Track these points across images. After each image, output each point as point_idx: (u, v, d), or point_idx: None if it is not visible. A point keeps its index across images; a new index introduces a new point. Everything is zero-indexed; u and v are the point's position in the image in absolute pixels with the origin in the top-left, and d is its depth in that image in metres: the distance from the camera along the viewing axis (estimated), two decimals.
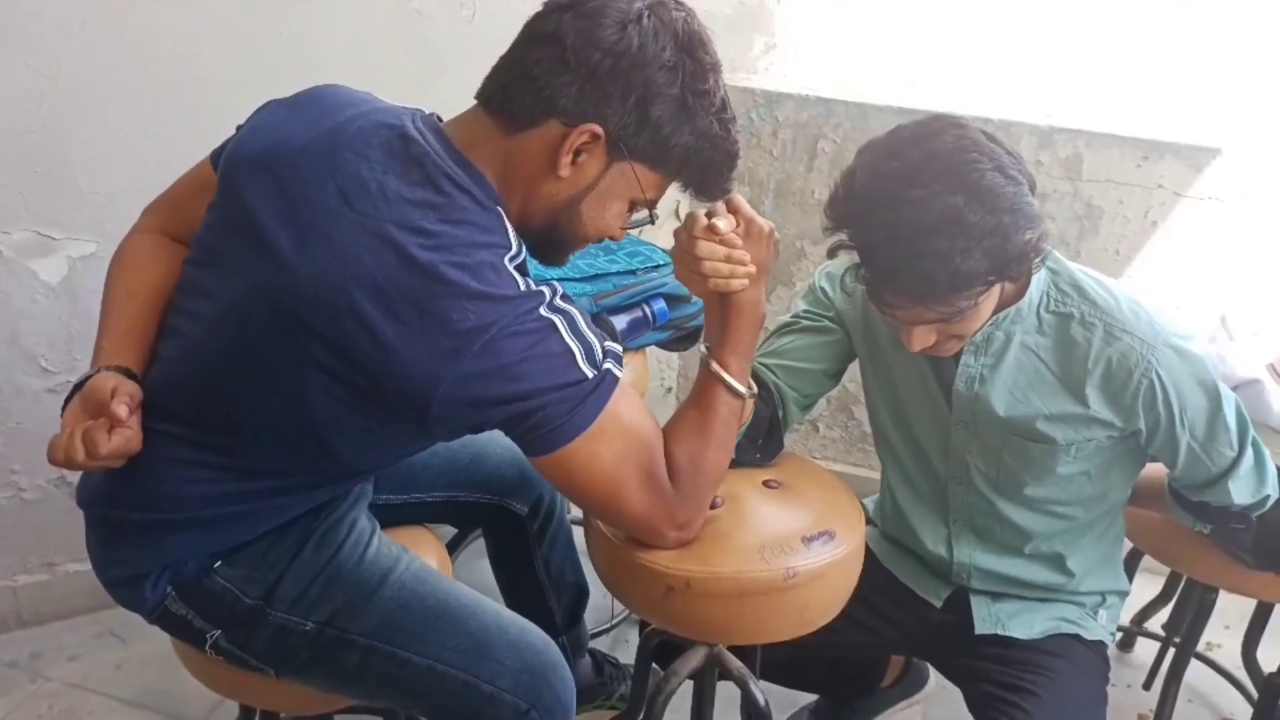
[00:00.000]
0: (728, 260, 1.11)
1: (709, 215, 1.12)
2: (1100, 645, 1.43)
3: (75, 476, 1.91)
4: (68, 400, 1.08)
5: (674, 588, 1.15)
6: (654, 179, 1.08)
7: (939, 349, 1.23)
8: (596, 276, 1.74)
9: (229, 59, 1.78)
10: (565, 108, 1.01)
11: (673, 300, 1.80)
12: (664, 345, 1.87)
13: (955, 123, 1.12)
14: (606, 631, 2.08)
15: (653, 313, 1.77)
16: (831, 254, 1.17)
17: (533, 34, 1.03)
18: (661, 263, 1.82)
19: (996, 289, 1.18)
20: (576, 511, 1.73)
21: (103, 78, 1.71)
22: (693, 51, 1.03)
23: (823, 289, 1.43)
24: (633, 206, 1.12)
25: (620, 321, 1.73)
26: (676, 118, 1.03)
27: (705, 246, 1.10)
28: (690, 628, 1.27)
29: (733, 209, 1.12)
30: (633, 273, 1.79)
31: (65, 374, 1.87)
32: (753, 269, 1.13)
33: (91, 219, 1.78)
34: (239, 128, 1.15)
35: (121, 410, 1.00)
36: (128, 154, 1.75)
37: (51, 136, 1.71)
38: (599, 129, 1.01)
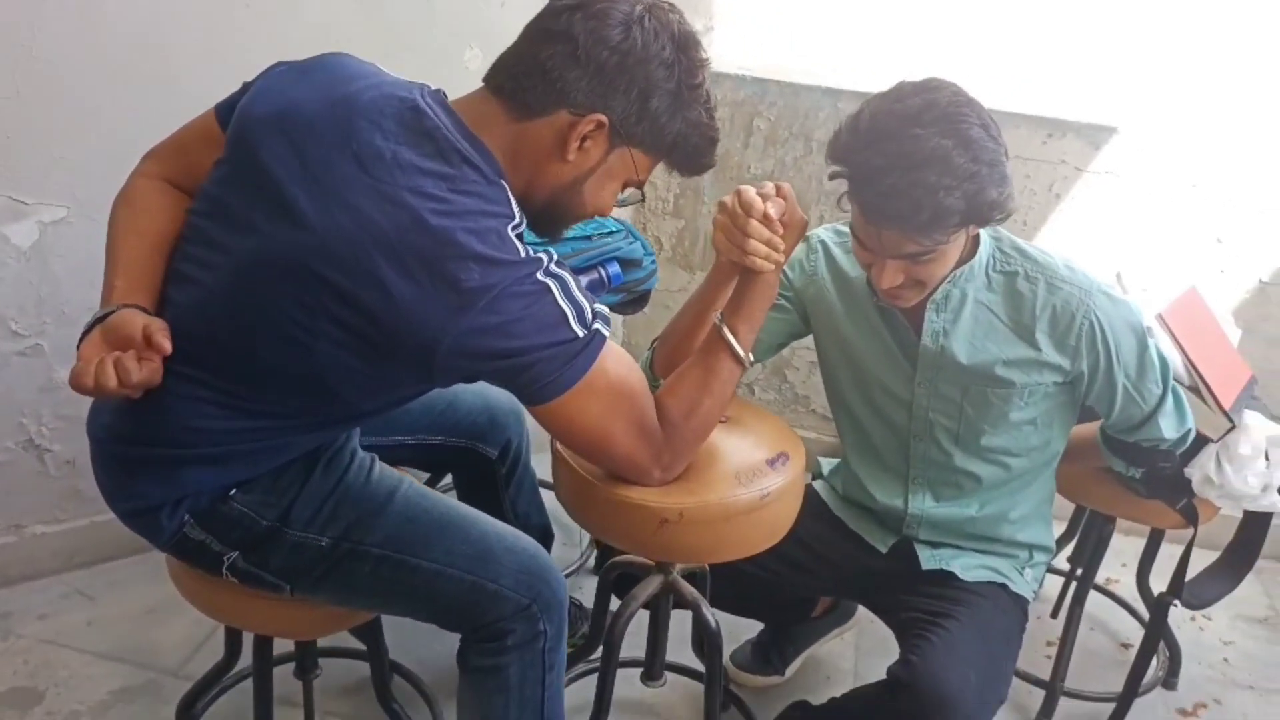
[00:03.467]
0: (768, 243, 1.23)
1: (763, 198, 1.23)
2: (1023, 600, 1.59)
3: (44, 439, 1.98)
4: (85, 335, 1.13)
5: (668, 520, 1.26)
6: (647, 161, 1.22)
7: (902, 296, 1.37)
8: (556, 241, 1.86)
9: (197, 31, 1.84)
10: (575, 99, 1.13)
11: (626, 264, 1.91)
12: (615, 307, 1.99)
13: (952, 85, 1.27)
14: (567, 575, 2.20)
15: (608, 275, 1.88)
16: (833, 178, 1.29)
17: (545, 30, 1.14)
18: (614, 229, 1.93)
19: (959, 240, 1.32)
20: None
21: (75, 48, 1.75)
22: (687, 50, 1.16)
23: (784, 270, 1.54)
24: (625, 185, 1.24)
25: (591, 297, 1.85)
26: (671, 108, 1.16)
27: (757, 228, 1.23)
28: (682, 554, 1.40)
29: (783, 196, 1.25)
30: (588, 238, 1.90)
31: (34, 337, 1.91)
32: (782, 257, 1.26)
33: (63, 185, 1.82)
34: (246, 85, 1.23)
35: (166, 343, 1.08)
36: (98, 123, 1.79)
37: (25, 104, 1.74)
38: (604, 118, 1.14)
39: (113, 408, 1.21)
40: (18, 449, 1.98)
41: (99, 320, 1.13)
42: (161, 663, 1.91)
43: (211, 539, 1.23)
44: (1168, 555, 1.89)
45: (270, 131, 1.14)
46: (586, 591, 1.92)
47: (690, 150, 1.22)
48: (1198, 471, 1.65)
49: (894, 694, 1.39)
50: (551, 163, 1.17)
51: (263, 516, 1.22)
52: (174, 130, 1.32)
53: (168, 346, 1.09)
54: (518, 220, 1.14)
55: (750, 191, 1.24)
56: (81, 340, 1.14)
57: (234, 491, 1.22)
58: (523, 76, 1.14)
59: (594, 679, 1.62)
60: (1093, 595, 2.28)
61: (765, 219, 1.24)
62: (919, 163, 1.21)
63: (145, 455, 1.20)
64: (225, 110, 1.23)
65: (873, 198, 1.26)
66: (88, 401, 1.28)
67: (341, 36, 1.91)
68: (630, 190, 1.26)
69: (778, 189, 1.27)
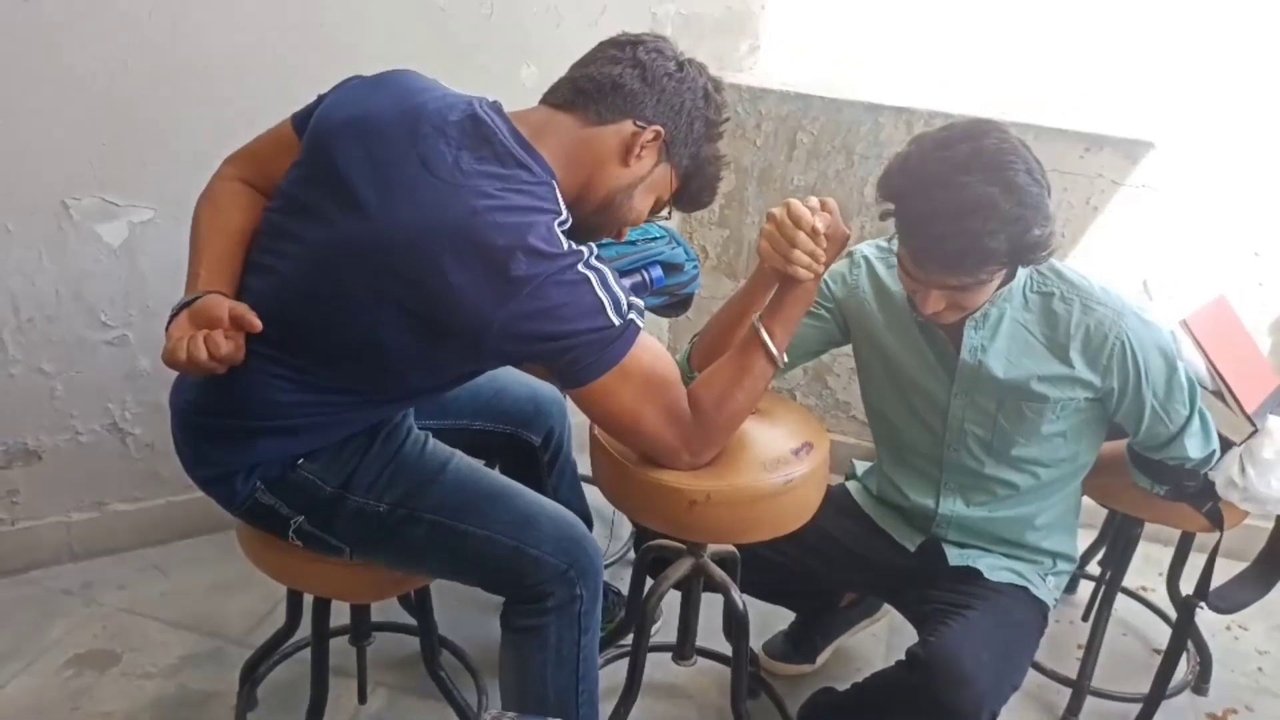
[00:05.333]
0: (811, 255, 1.32)
1: (810, 211, 1.32)
2: (1043, 605, 1.64)
3: (127, 423, 2.13)
4: (172, 318, 1.26)
5: (697, 501, 1.35)
6: (676, 183, 1.38)
7: (943, 317, 1.45)
8: (601, 245, 1.96)
9: (275, 48, 1.98)
10: (642, 112, 1.30)
11: (668, 268, 2.00)
12: (658, 310, 2.07)
13: (999, 128, 1.35)
14: (606, 567, 2.29)
15: (650, 278, 1.97)
16: (883, 218, 1.38)
17: (611, 57, 1.32)
18: (658, 235, 2.03)
19: (1002, 273, 1.39)
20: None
21: (164, 62, 1.90)
22: (720, 90, 1.38)
23: (826, 282, 1.63)
24: (657, 202, 1.39)
25: (626, 286, 1.95)
26: (703, 137, 1.36)
27: (803, 239, 1.31)
28: (710, 534, 1.49)
29: (829, 211, 1.34)
30: (633, 243, 1.99)
31: (121, 328, 2.07)
32: (822, 268, 1.34)
33: (150, 189, 1.98)
34: (320, 96, 1.36)
35: (256, 320, 1.21)
36: (184, 132, 1.94)
37: (119, 113, 1.90)
38: (662, 130, 1.31)
39: (195, 384, 1.33)
40: (103, 431, 2.14)
41: (186, 305, 1.26)
42: (227, 632, 2.05)
43: (280, 503, 1.35)
44: (1201, 563, 1.91)
45: (345, 136, 1.26)
46: (624, 583, 2.01)
47: (705, 180, 1.40)
48: (1221, 475, 1.68)
49: (911, 671, 1.46)
50: (611, 166, 1.31)
51: (327, 483, 1.34)
52: (250, 138, 1.45)
53: (258, 323, 1.21)
54: (564, 217, 1.25)
55: (799, 205, 1.32)
56: (170, 323, 1.26)
57: (301, 461, 1.34)
58: (594, 91, 1.30)
59: (628, 662, 1.71)
60: (1127, 602, 2.33)
61: (812, 232, 1.31)
62: (966, 211, 1.28)
63: (224, 426, 1.33)
64: (301, 119, 1.36)
65: (921, 241, 1.34)
66: (168, 389, 1.42)
67: (406, 56, 2.05)
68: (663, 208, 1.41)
69: (823, 204, 1.34)
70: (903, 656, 1.51)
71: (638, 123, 1.30)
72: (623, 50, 1.32)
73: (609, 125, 1.30)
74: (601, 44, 1.35)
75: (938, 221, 1.30)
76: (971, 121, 1.36)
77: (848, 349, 1.71)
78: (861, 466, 1.87)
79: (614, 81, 1.30)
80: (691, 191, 1.40)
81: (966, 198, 1.28)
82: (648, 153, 1.32)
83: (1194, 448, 1.56)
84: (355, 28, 2.05)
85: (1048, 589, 1.66)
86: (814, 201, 1.33)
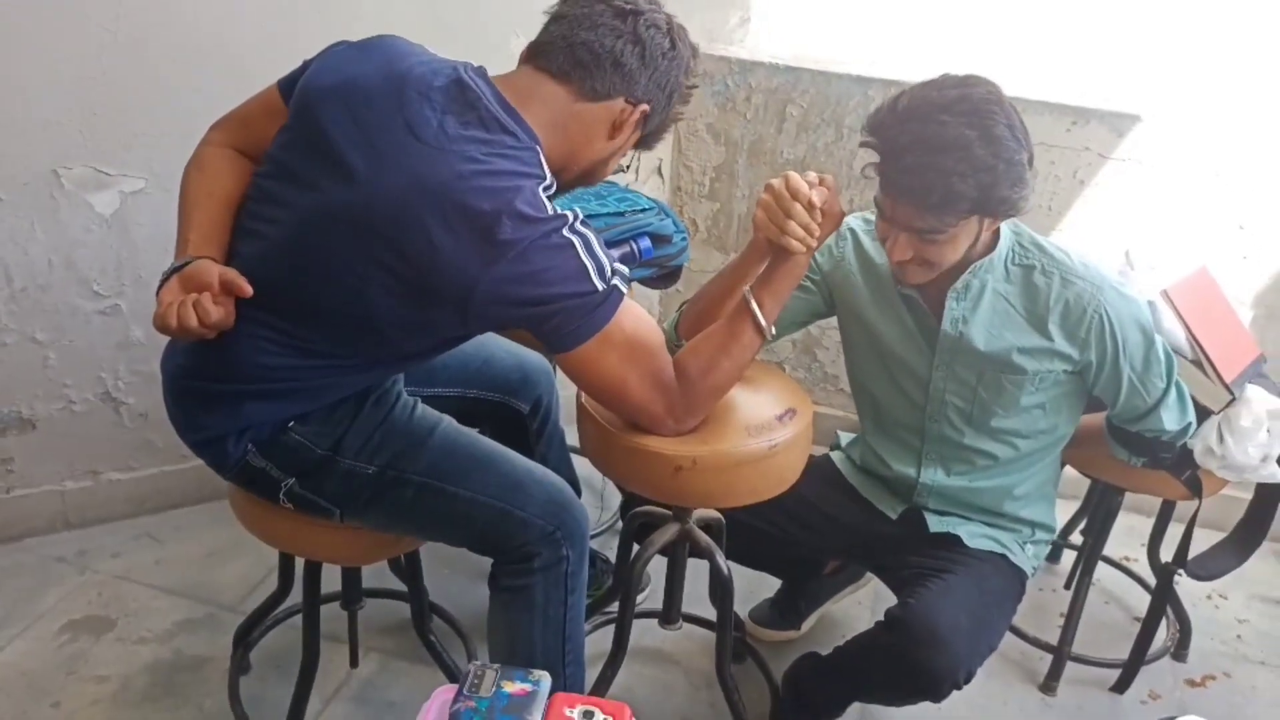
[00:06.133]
0: (805, 227, 1.34)
1: (809, 185, 1.33)
2: (1021, 573, 1.67)
3: (120, 393, 2.15)
4: (162, 283, 1.27)
5: (682, 467, 1.38)
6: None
7: (909, 271, 1.46)
8: (590, 217, 1.97)
9: (265, 20, 1.99)
10: (635, 91, 1.33)
11: (657, 240, 2.01)
12: (646, 282, 2.09)
13: (992, 84, 1.37)
14: (595, 536, 2.32)
15: (639, 249, 1.99)
16: (862, 145, 1.40)
17: (613, 29, 1.31)
18: (647, 207, 2.05)
19: (969, 229, 1.40)
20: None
21: (155, 33, 1.91)
22: (695, 58, 1.40)
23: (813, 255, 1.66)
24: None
25: (613, 255, 1.96)
26: (674, 101, 1.39)
27: (800, 212, 1.32)
28: (695, 498, 1.51)
29: (826, 187, 1.35)
30: (621, 214, 2.01)
31: (113, 298, 2.08)
32: (816, 242, 1.36)
33: (141, 158, 1.99)
34: (306, 62, 1.37)
35: (247, 285, 1.22)
36: (174, 102, 1.95)
37: (109, 84, 1.91)
38: (648, 107, 1.35)
39: (186, 348, 1.35)
40: (96, 401, 2.16)
41: (176, 270, 1.27)
42: (220, 599, 2.08)
43: (271, 466, 1.37)
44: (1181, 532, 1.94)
45: (331, 101, 1.27)
46: (613, 553, 2.03)
47: (659, 134, 1.44)
48: (1200, 443, 1.71)
49: (889, 631, 1.49)
50: (598, 140, 1.35)
51: (317, 446, 1.36)
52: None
53: (248, 288, 1.23)
54: (548, 182, 1.27)
55: (798, 178, 1.33)
56: (160, 288, 1.28)
57: (292, 424, 1.35)
58: (593, 65, 1.31)
59: (614, 628, 1.74)
60: (1111, 572, 2.37)
61: (808, 205, 1.33)
62: (940, 147, 1.30)
63: (215, 390, 1.34)
64: (287, 85, 1.37)
65: (892, 172, 1.36)
66: (159, 357, 1.43)
67: (393, 23, 2.06)
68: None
69: (821, 180, 1.36)
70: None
71: (629, 100, 1.33)
72: (624, 21, 1.31)
73: (602, 102, 1.32)
74: (600, 7, 1.32)
75: (911, 152, 1.32)
76: (967, 74, 1.38)
77: (834, 319, 1.73)
78: (846, 437, 1.90)
79: (614, 59, 1.30)
80: (644, 140, 1.44)
81: (943, 135, 1.30)
82: (630, 126, 1.36)
83: (1170, 420, 1.58)
84: (347, 2, 2.05)
85: (1026, 557, 1.68)
86: (812, 176, 1.35)
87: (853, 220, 1.66)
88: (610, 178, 1.66)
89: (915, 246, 1.41)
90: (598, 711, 1.02)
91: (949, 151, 1.30)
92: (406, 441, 1.40)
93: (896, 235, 1.42)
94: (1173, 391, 1.57)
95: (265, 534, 1.51)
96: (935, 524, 1.68)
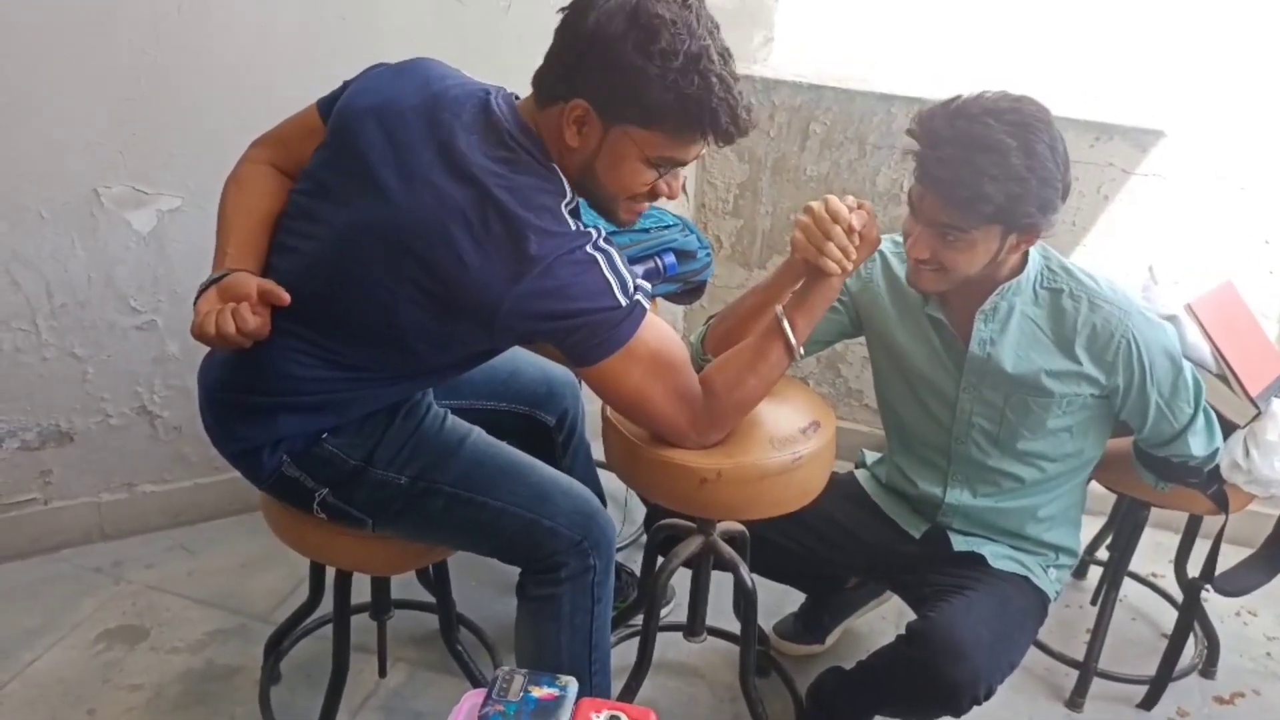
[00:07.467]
0: (843, 250, 1.35)
1: (850, 209, 1.35)
2: (1044, 595, 1.67)
3: (155, 407, 2.19)
4: (200, 294, 1.31)
5: (707, 479, 1.40)
6: (652, 137, 1.24)
7: (923, 274, 1.47)
8: (615, 233, 2.00)
9: (297, 42, 2.03)
10: (560, 90, 1.25)
11: (681, 255, 2.03)
12: (671, 297, 2.11)
13: (1044, 107, 1.39)
14: (620, 550, 2.34)
15: (664, 265, 2.01)
16: (907, 134, 1.42)
17: (560, 25, 1.27)
18: (671, 223, 2.07)
19: (990, 242, 1.41)
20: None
21: (190, 57, 1.96)
22: (638, 19, 1.19)
23: None
24: (653, 165, 1.28)
25: (636, 271, 1.99)
26: (641, 81, 1.20)
27: (839, 234, 1.35)
28: (719, 511, 1.53)
29: (865, 212, 1.38)
30: (646, 230, 2.04)
31: (150, 314, 2.12)
32: (851, 265, 1.38)
33: (178, 178, 2.03)
34: (345, 83, 1.41)
35: (285, 295, 1.26)
36: (209, 122, 1.99)
37: (147, 106, 1.96)
38: (584, 103, 1.24)
39: (222, 362, 1.39)
40: (132, 414, 2.20)
41: (214, 281, 1.31)
42: (252, 609, 2.11)
43: (305, 476, 1.40)
44: (1208, 548, 1.93)
45: (368, 121, 1.32)
46: (637, 566, 2.05)
47: (688, 115, 1.22)
48: (1226, 458, 1.70)
49: (910, 645, 1.49)
50: (563, 147, 1.29)
51: (350, 457, 1.39)
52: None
53: (286, 297, 1.27)
54: (569, 198, 1.30)
55: (838, 201, 1.36)
56: (198, 298, 1.31)
57: (325, 435, 1.39)
58: (544, 72, 1.29)
59: (639, 641, 1.74)
60: (1137, 588, 2.35)
61: (848, 229, 1.35)
62: (980, 147, 1.33)
63: (250, 403, 1.38)
64: (326, 105, 1.41)
65: (928, 160, 1.38)
66: (195, 373, 1.47)
67: (423, 43, 2.10)
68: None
69: (860, 204, 1.38)
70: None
71: (563, 99, 1.25)
72: (566, 14, 1.26)
73: (550, 109, 1.28)
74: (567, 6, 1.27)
75: (951, 145, 1.34)
76: (1024, 94, 1.40)
77: (862, 338, 1.74)
78: (871, 455, 1.90)
79: (549, 59, 1.27)
80: (688, 130, 1.24)
81: (986, 136, 1.33)
82: (589, 127, 1.25)
83: (1197, 446, 1.59)
84: (376, 21, 2.09)
85: (1049, 581, 1.68)
86: (851, 200, 1.37)
87: (881, 242, 1.68)
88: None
89: (933, 247, 1.43)
90: (624, 716, 1.04)
91: (986, 153, 1.33)
92: (437, 452, 1.43)
93: (918, 232, 1.43)
94: (1200, 418, 1.58)
95: (297, 543, 1.54)
96: (960, 543, 1.68)
